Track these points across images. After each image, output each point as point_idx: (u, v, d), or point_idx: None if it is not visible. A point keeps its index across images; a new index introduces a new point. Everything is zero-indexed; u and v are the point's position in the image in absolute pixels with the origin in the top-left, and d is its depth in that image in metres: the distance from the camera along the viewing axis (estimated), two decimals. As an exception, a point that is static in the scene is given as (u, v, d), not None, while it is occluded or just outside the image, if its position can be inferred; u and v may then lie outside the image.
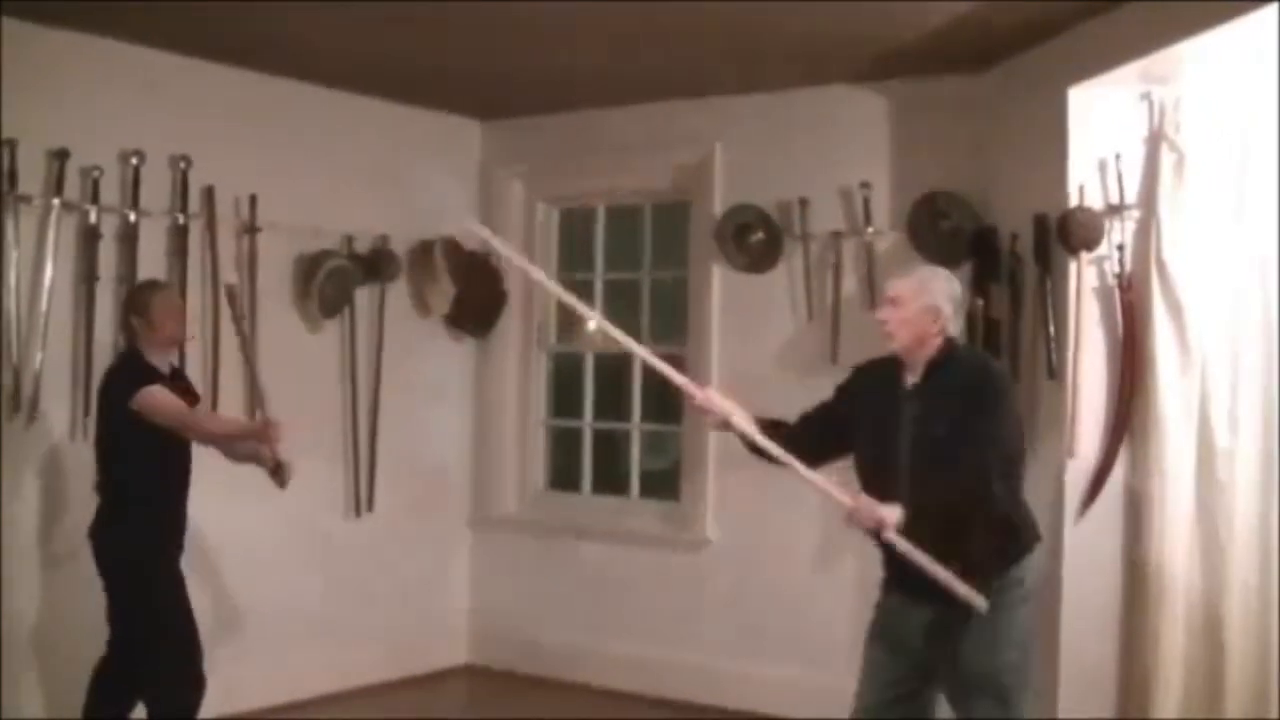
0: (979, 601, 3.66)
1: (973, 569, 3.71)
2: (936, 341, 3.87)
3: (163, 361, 4.79)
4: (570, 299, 4.42)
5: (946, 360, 3.86)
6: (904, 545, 3.67)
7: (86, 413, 5.30)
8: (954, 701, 3.89)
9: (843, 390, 4.15)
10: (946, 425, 3.74)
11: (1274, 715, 4.80)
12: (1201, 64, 4.82)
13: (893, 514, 3.66)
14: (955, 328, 3.96)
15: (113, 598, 4.64)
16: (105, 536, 4.64)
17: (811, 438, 4.03)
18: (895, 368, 3.96)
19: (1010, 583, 3.78)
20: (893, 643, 3.96)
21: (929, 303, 3.87)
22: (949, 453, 3.70)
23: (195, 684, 4.68)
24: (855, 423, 4.01)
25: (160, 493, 4.69)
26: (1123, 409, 5.12)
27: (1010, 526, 3.82)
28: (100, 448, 4.73)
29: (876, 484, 3.85)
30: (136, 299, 4.79)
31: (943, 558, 3.69)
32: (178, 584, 4.71)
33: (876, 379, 4.02)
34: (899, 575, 3.89)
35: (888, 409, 3.91)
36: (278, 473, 4.94)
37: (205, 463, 4.92)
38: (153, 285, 5.02)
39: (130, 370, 4.67)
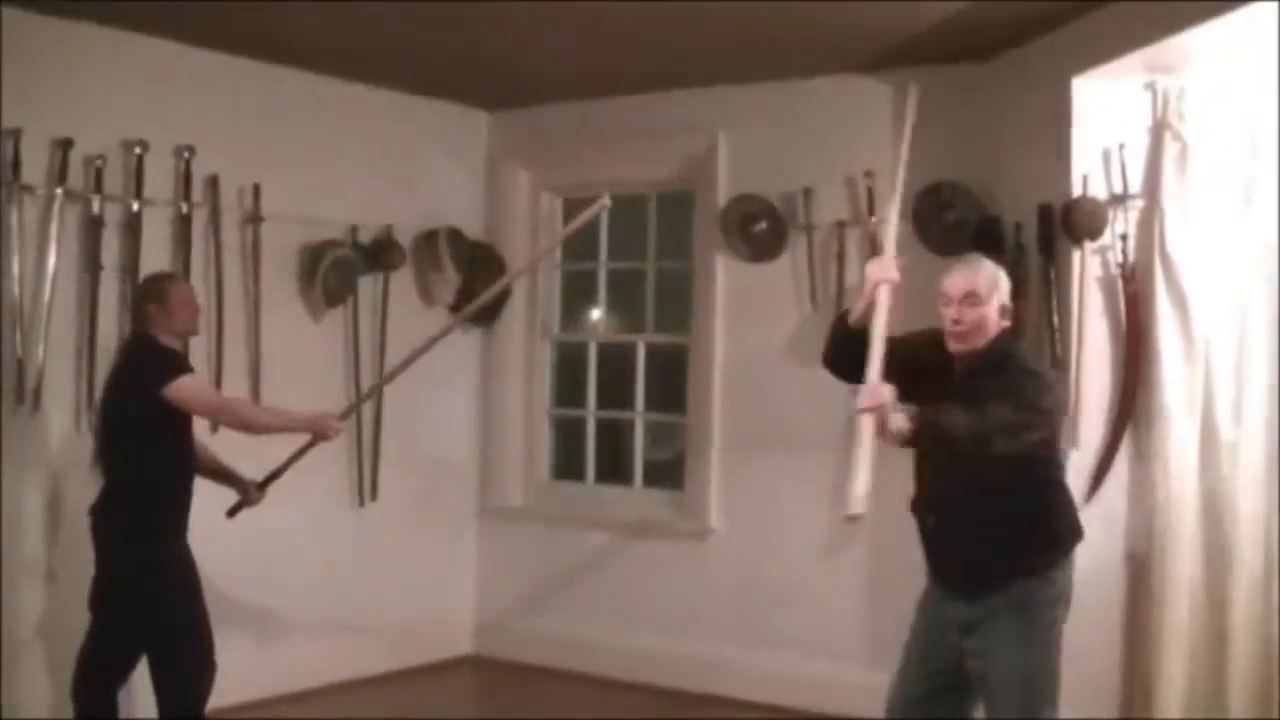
0: None
1: (1004, 566, 3.67)
2: (992, 336, 3.68)
3: None
4: None
5: (1002, 361, 3.64)
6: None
7: (90, 403, 5.31)
8: (984, 700, 3.81)
9: (907, 347, 3.85)
10: None
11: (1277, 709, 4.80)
12: (1205, 54, 4.81)
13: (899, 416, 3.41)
14: None
15: (116, 585, 4.58)
16: (115, 524, 4.57)
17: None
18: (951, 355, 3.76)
19: (1042, 582, 3.69)
20: (928, 635, 3.89)
21: (1003, 301, 3.71)
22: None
23: (208, 670, 4.66)
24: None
25: (174, 478, 4.65)
26: (1126, 399, 5.11)
27: (1046, 528, 3.71)
28: (111, 433, 4.62)
29: (923, 472, 3.81)
30: (153, 287, 4.74)
31: (978, 549, 3.67)
32: (190, 569, 4.66)
33: (936, 358, 3.75)
34: (935, 567, 3.85)
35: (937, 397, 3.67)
36: (260, 491, 4.99)
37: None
38: (168, 275, 5.04)
39: (160, 357, 4.61)
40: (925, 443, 3.51)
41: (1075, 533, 3.80)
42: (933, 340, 3.81)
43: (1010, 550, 3.67)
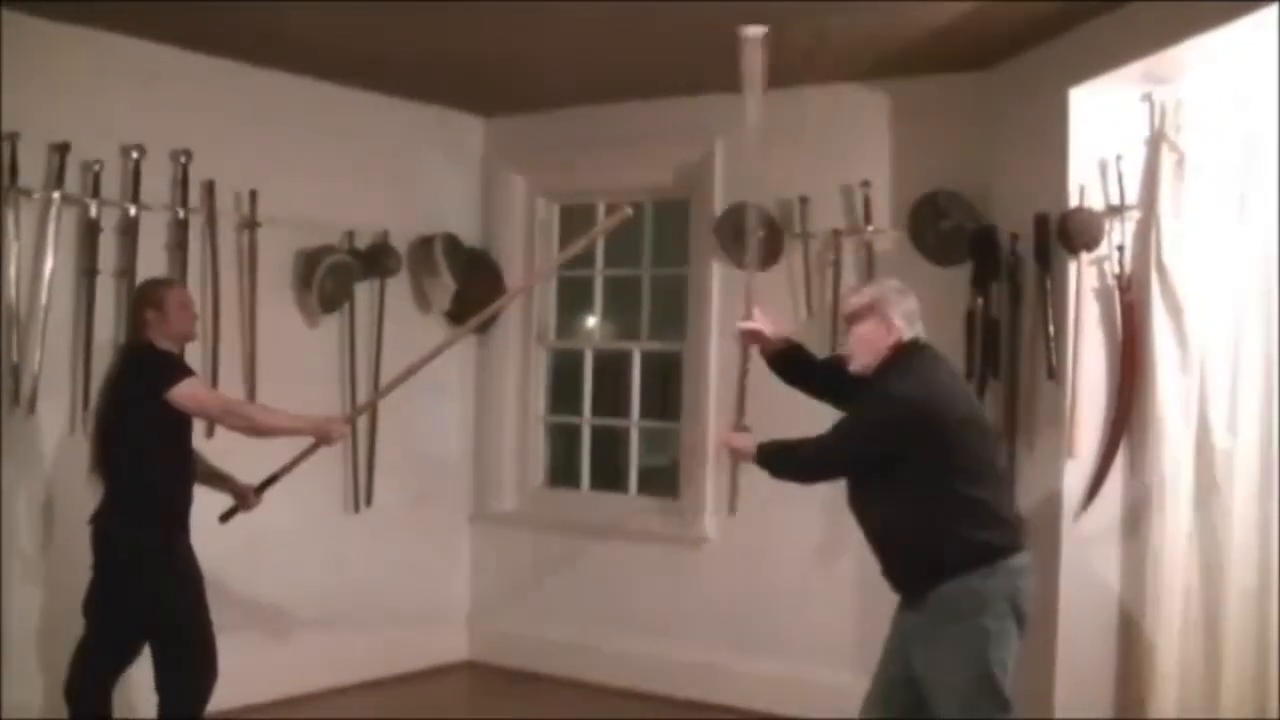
0: None
1: (911, 572, 3.82)
2: (884, 354, 3.88)
3: None
4: None
5: (876, 376, 3.88)
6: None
7: (86, 405, 5.30)
8: (930, 705, 3.84)
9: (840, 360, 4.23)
10: None
11: (1273, 716, 4.80)
12: (1203, 65, 4.82)
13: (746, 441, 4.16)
14: (910, 334, 3.90)
15: (120, 587, 4.56)
16: (119, 528, 4.56)
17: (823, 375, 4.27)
18: None
19: (962, 591, 3.70)
20: (889, 639, 3.98)
21: (885, 317, 3.88)
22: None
23: (210, 672, 4.65)
24: None
25: (176, 481, 4.64)
26: (1122, 409, 5.12)
27: (953, 540, 3.73)
28: (111, 438, 4.59)
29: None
30: (151, 293, 4.73)
31: (890, 554, 3.90)
32: (194, 570, 4.66)
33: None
34: (886, 577, 3.95)
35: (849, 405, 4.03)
36: (258, 495, 5.00)
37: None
38: (166, 281, 5.04)
39: (161, 360, 4.60)
40: (764, 466, 4.15)
41: (992, 545, 3.74)
42: None
43: (917, 558, 3.79)
